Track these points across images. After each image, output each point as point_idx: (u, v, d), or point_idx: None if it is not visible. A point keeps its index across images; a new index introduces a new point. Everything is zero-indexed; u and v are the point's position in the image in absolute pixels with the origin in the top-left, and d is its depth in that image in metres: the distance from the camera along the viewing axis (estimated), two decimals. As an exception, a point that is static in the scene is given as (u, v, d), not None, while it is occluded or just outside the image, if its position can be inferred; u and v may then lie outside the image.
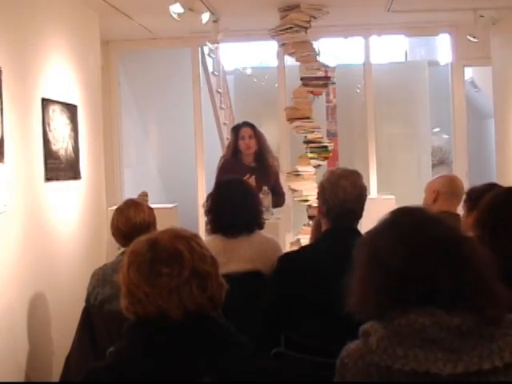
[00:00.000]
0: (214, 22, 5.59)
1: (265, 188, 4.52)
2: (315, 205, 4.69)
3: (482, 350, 1.35)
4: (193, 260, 1.52)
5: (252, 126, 4.98)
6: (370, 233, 1.56)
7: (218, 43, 5.80)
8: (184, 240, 1.56)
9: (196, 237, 1.61)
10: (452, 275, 1.39)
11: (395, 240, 1.46)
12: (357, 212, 2.58)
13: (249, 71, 8.39)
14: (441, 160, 8.86)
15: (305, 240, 5.00)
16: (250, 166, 4.90)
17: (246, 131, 4.92)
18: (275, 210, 4.97)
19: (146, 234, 1.64)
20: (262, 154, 4.93)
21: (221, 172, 4.88)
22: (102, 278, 3.02)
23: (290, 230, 6.46)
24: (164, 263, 1.51)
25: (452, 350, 1.35)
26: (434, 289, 1.40)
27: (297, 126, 5.67)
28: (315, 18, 5.57)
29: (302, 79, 5.65)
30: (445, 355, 1.34)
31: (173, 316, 1.48)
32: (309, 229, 4.35)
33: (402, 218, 1.51)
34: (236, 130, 5.00)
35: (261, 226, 3.18)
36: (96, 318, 3.00)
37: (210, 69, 8.08)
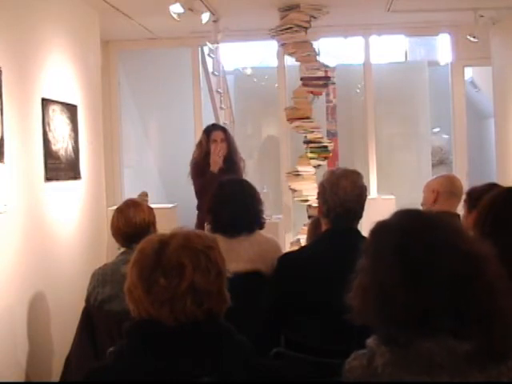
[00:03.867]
0: (214, 21, 5.60)
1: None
2: (315, 205, 4.70)
3: (490, 372, 1.32)
4: (194, 274, 1.48)
5: (223, 129, 5.06)
6: (373, 248, 1.47)
7: (218, 43, 5.80)
8: (192, 252, 1.51)
9: (209, 248, 1.54)
10: (459, 301, 1.35)
11: (399, 270, 1.38)
12: (357, 212, 2.58)
13: (249, 71, 8.38)
14: (441, 160, 8.85)
15: (304, 240, 5.00)
16: (219, 166, 4.93)
17: (217, 135, 4.96)
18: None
19: (148, 234, 1.63)
20: (231, 156, 4.99)
21: (194, 175, 4.97)
22: (101, 278, 3.02)
23: (290, 229, 6.46)
24: (163, 274, 1.48)
25: (459, 374, 1.32)
26: (440, 315, 1.35)
27: (297, 126, 5.68)
28: (315, 18, 5.57)
29: (302, 79, 5.66)
30: (451, 378, 1.32)
31: (164, 322, 1.48)
32: (309, 229, 4.35)
33: (410, 246, 1.40)
34: (207, 132, 5.03)
35: (261, 226, 3.18)
36: (96, 318, 3.00)
37: (210, 69, 8.06)
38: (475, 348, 1.32)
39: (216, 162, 4.89)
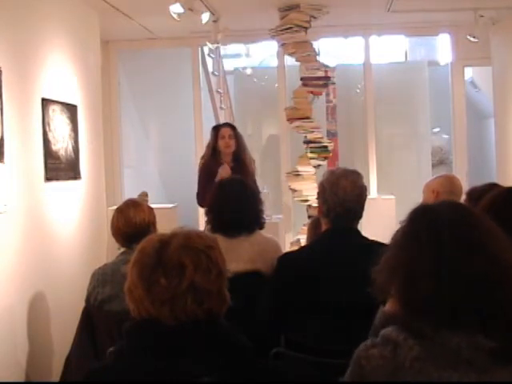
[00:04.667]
0: (214, 21, 5.59)
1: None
2: (315, 205, 4.70)
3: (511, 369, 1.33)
4: (194, 274, 1.48)
5: (232, 126, 5.06)
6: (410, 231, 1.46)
7: (218, 43, 5.80)
8: (193, 252, 1.51)
9: (210, 248, 1.54)
10: (485, 303, 1.35)
11: (430, 259, 1.38)
12: (357, 212, 2.58)
13: (249, 71, 8.39)
14: (441, 160, 8.85)
15: (304, 240, 5.00)
16: (228, 165, 4.92)
17: (226, 131, 4.97)
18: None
19: (148, 234, 1.63)
20: (240, 154, 4.98)
21: (202, 174, 4.97)
22: (101, 278, 3.02)
23: (290, 229, 6.46)
24: (164, 274, 1.48)
25: (486, 371, 1.32)
26: (464, 312, 1.35)
27: (297, 126, 5.68)
28: (315, 17, 5.57)
29: (302, 79, 5.66)
30: (478, 377, 1.32)
31: (164, 322, 1.48)
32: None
33: (447, 237, 1.40)
34: (216, 129, 5.04)
35: (261, 226, 3.18)
36: (96, 318, 3.00)
37: (210, 69, 8.08)
38: (500, 346, 1.32)
39: (226, 153, 4.90)
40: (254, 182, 5.05)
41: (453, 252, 1.38)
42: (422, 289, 1.36)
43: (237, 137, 4.99)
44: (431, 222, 1.43)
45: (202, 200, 4.87)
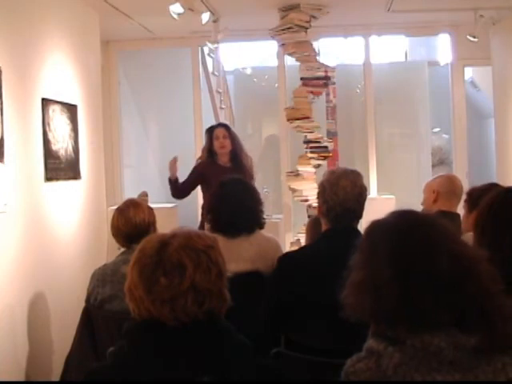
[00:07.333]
0: (214, 22, 5.60)
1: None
2: (315, 205, 4.70)
3: (496, 365, 1.33)
4: (195, 274, 1.49)
5: (226, 127, 5.06)
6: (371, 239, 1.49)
7: (217, 43, 5.80)
8: (193, 252, 1.51)
9: (210, 248, 1.55)
10: (454, 298, 1.36)
11: (392, 265, 1.40)
12: (357, 212, 2.58)
13: (249, 71, 8.38)
14: (441, 160, 8.84)
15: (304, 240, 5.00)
16: (225, 166, 4.93)
17: (220, 131, 4.97)
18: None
19: (148, 234, 1.63)
20: (237, 154, 4.96)
21: (192, 171, 5.06)
22: (101, 278, 3.02)
23: (290, 229, 6.46)
24: (164, 273, 1.48)
25: (469, 370, 1.33)
26: (435, 310, 1.35)
27: (297, 126, 5.68)
28: (315, 17, 5.57)
29: (302, 79, 5.66)
30: (463, 376, 1.32)
31: (165, 322, 1.48)
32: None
33: (404, 242, 1.43)
34: (210, 131, 5.05)
35: (261, 226, 3.17)
36: (96, 318, 3.00)
37: (210, 69, 8.08)
38: (480, 342, 1.33)
39: (222, 154, 4.90)
40: (252, 179, 5.07)
41: (412, 253, 1.39)
42: (389, 295, 1.37)
43: (232, 136, 4.97)
44: (385, 233, 1.46)
45: (174, 191, 5.08)
